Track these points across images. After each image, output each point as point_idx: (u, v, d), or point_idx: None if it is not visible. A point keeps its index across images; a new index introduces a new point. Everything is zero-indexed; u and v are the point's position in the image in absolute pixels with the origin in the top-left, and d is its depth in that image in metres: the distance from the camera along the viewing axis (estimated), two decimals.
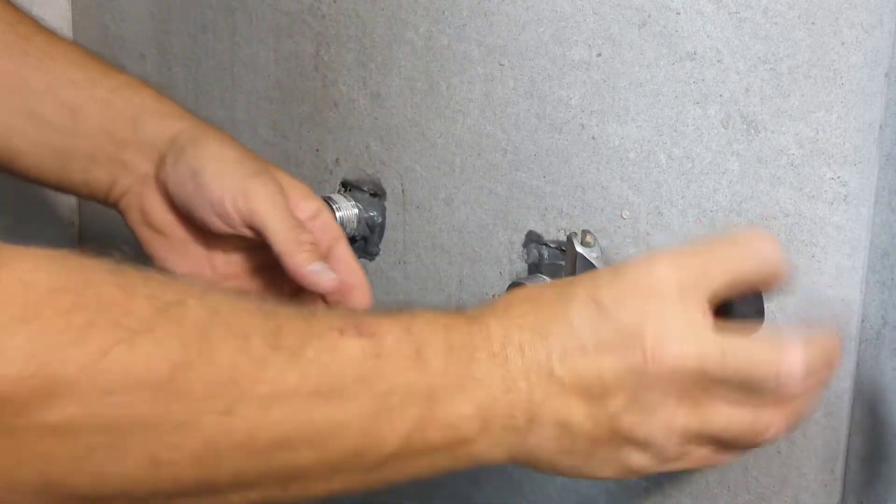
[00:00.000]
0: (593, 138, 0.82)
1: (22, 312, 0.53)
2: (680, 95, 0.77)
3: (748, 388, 0.63)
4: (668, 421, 0.63)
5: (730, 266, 0.65)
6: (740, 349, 0.63)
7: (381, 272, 0.98)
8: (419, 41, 0.90)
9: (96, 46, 1.17)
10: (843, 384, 0.76)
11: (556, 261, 0.85)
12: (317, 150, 1.00)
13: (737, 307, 0.67)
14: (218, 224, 0.84)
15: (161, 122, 0.86)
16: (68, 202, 1.22)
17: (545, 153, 0.85)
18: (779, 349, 0.63)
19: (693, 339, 0.62)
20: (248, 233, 0.83)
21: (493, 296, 0.86)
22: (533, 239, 0.87)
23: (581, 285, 0.64)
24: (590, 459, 0.65)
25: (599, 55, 0.81)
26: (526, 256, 0.87)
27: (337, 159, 0.99)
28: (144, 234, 0.87)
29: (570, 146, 0.83)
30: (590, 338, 0.63)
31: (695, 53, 0.76)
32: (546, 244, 0.86)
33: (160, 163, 0.85)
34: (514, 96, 0.86)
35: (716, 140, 0.77)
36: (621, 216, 0.82)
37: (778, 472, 0.78)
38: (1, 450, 0.53)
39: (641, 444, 0.64)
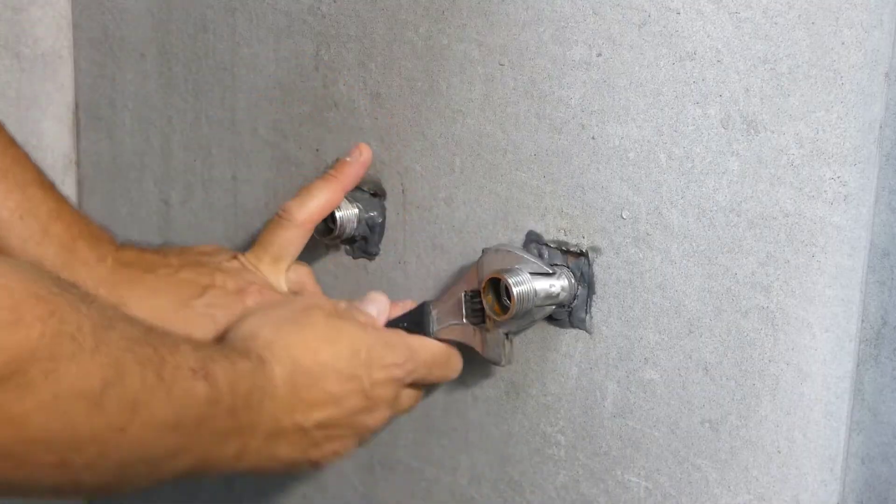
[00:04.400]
0: (593, 138, 0.82)
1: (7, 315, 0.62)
2: (680, 95, 0.77)
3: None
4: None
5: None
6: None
7: (381, 272, 0.98)
8: (419, 41, 0.90)
9: (96, 46, 1.17)
10: (843, 384, 0.76)
11: (555, 261, 0.85)
12: (317, 150, 1.00)
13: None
14: None
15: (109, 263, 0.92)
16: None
17: (545, 153, 0.85)
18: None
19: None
20: None
21: None
22: (533, 239, 0.87)
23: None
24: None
25: (599, 55, 0.81)
26: None
27: (337, 159, 0.99)
28: None
29: (570, 146, 0.83)
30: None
31: (695, 53, 0.76)
32: (546, 244, 0.86)
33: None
34: (514, 96, 0.86)
35: (716, 140, 0.77)
36: (621, 216, 0.82)
37: (778, 472, 0.78)
38: None
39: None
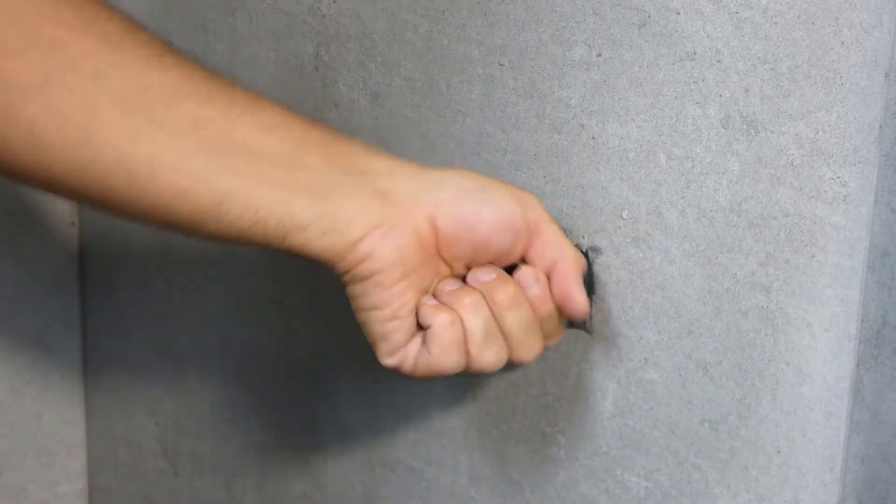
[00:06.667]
0: (593, 138, 0.82)
1: None
2: (680, 95, 0.77)
3: None
4: None
5: None
6: None
7: None
8: (419, 41, 0.90)
9: None
10: (843, 384, 0.76)
11: None
12: None
13: None
14: (502, 254, 0.80)
15: (397, 162, 0.81)
16: (68, 201, 1.22)
17: (545, 153, 0.85)
18: None
19: None
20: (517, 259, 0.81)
21: None
22: None
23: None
24: None
25: (599, 55, 0.81)
26: None
27: None
28: (391, 277, 0.78)
29: (570, 146, 0.83)
30: None
31: (695, 53, 0.76)
32: None
33: (418, 197, 0.79)
34: (513, 96, 0.86)
35: (716, 140, 0.77)
36: (621, 216, 0.82)
37: (778, 472, 0.78)
38: None
39: None
